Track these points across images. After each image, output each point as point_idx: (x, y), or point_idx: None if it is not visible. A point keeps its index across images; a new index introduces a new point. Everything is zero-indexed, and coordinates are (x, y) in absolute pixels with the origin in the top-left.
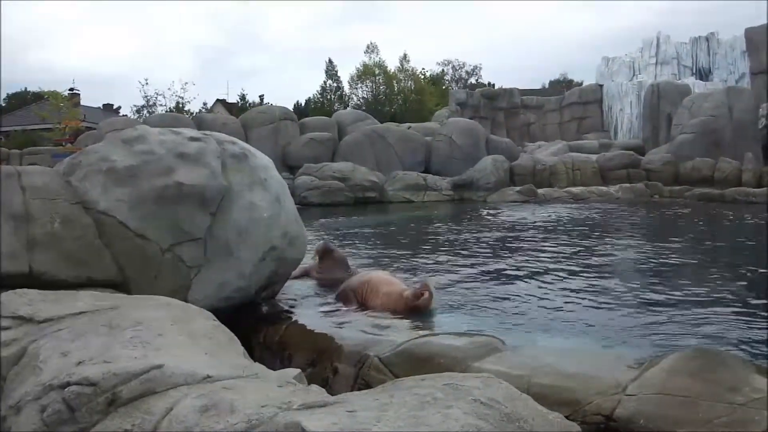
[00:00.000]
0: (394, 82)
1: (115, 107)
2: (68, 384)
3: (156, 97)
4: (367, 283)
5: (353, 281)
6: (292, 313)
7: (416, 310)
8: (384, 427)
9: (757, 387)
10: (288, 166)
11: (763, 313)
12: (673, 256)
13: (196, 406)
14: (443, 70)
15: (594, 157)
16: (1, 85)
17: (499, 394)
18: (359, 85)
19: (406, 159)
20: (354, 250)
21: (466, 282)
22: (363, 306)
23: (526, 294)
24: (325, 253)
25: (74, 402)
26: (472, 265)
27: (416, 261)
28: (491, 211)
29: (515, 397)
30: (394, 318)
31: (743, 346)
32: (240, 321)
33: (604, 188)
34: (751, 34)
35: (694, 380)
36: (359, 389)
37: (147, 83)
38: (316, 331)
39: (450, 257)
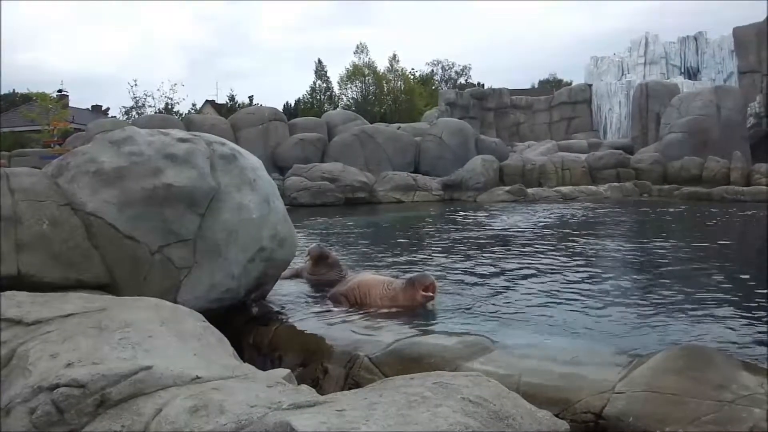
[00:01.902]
0: (384, 82)
1: (104, 108)
2: (57, 386)
3: (145, 98)
4: (357, 286)
5: (342, 286)
6: (282, 314)
7: (417, 304)
8: (373, 426)
9: (744, 384)
10: (278, 167)
11: (750, 311)
12: (662, 255)
13: (186, 407)
14: (433, 70)
15: (583, 156)
16: (0, 83)
17: (488, 393)
18: (349, 86)
19: (396, 159)
20: (344, 251)
21: (456, 282)
22: (357, 309)
23: (516, 293)
24: (319, 258)
25: (63, 403)
26: (461, 265)
27: (406, 261)
28: (481, 212)
29: (504, 396)
30: (386, 317)
31: (731, 344)
32: (230, 322)
33: (593, 188)
34: (739, 33)
35: (681, 378)
36: (349, 389)
37: (136, 84)
38: (306, 331)
39: (440, 257)
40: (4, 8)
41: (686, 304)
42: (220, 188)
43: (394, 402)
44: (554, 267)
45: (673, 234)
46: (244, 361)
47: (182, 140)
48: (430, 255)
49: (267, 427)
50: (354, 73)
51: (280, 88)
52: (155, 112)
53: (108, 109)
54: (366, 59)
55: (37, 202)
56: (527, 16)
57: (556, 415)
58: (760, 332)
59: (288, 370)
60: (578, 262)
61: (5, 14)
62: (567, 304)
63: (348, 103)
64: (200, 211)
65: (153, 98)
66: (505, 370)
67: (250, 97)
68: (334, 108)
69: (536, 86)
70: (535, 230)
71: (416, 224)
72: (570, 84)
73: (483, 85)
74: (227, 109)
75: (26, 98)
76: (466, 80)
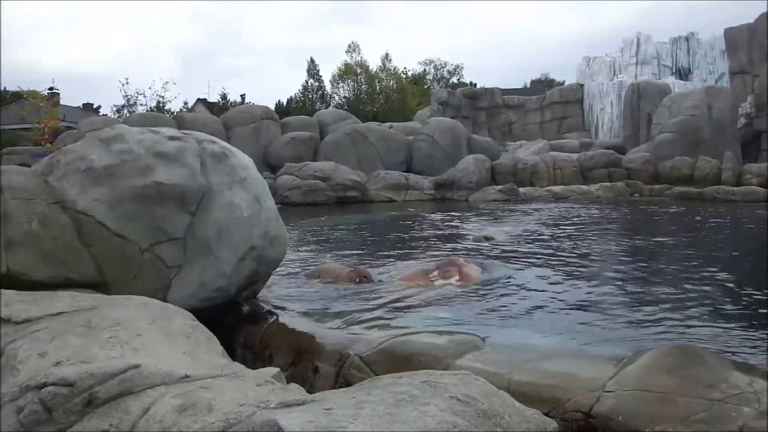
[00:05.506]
0: (376, 81)
1: (95, 107)
2: (45, 384)
3: (136, 97)
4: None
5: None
6: (272, 312)
7: None
8: (360, 425)
9: (734, 383)
10: (269, 166)
11: (741, 311)
12: (654, 254)
13: (174, 406)
14: (425, 69)
15: (575, 156)
16: (0, 81)
17: (476, 391)
18: (341, 85)
19: (388, 158)
20: (341, 250)
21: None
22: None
23: (506, 292)
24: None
25: (51, 402)
26: None
27: (401, 258)
28: (472, 211)
29: (492, 394)
30: (378, 314)
31: (721, 343)
32: (220, 321)
33: (584, 187)
34: (730, 34)
35: (671, 377)
36: (340, 388)
37: (127, 83)
38: (296, 330)
39: (434, 254)
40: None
41: (676, 302)
42: (211, 187)
43: (382, 401)
44: (546, 265)
45: (664, 233)
46: (236, 360)
47: (172, 138)
48: (422, 252)
49: (254, 426)
50: (346, 72)
51: (273, 86)
52: (147, 111)
53: (99, 107)
54: (358, 58)
55: (27, 201)
56: (519, 16)
57: (546, 414)
58: (750, 331)
59: (277, 369)
60: (569, 261)
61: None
62: (557, 302)
63: (340, 102)
64: (191, 209)
65: (144, 96)
66: (495, 369)
67: (242, 96)
68: (326, 107)
69: (528, 86)
70: (526, 229)
71: (409, 223)
72: (562, 84)
73: (475, 84)
74: (219, 108)
75: (17, 96)
76: (458, 80)
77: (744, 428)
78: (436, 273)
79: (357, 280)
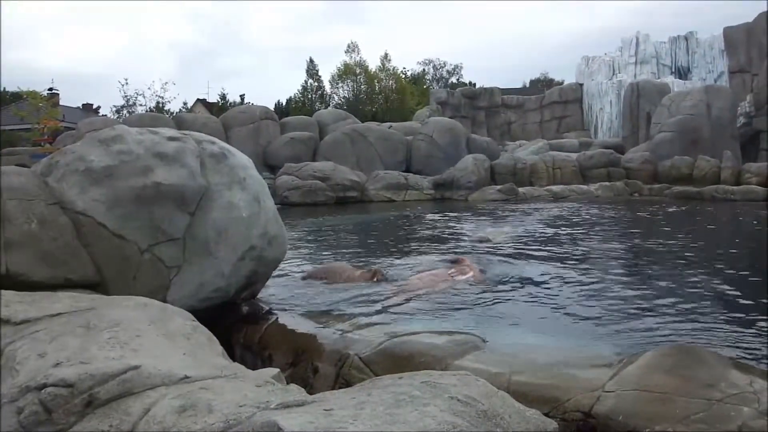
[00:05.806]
0: (375, 81)
1: (94, 107)
2: (45, 385)
3: (136, 97)
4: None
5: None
6: (272, 313)
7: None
8: (360, 426)
9: (733, 383)
10: (269, 166)
11: (740, 310)
12: (653, 254)
13: (174, 407)
14: (424, 69)
15: (574, 155)
16: (1, 81)
17: (476, 392)
18: (340, 85)
19: (387, 158)
20: (341, 250)
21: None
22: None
23: (506, 292)
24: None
25: (51, 403)
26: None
27: (398, 258)
28: (471, 211)
29: (492, 395)
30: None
31: (720, 343)
32: (220, 321)
33: (584, 187)
34: (729, 33)
35: (671, 377)
36: (340, 388)
37: (127, 83)
38: (296, 330)
39: (431, 254)
40: None
41: (676, 302)
42: (210, 187)
43: (383, 401)
44: (545, 265)
45: (662, 233)
46: (235, 361)
47: (172, 139)
48: (420, 252)
49: (254, 427)
50: (345, 72)
51: (272, 86)
52: (146, 111)
53: (99, 107)
54: (357, 58)
55: (26, 201)
56: (519, 16)
57: (546, 414)
58: (749, 330)
59: (277, 370)
60: (569, 261)
61: None
62: (557, 302)
63: (339, 102)
64: (190, 209)
65: (144, 97)
66: (495, 369)
67: (242, 96)
68: (326, 107)
69: (527, 85)
70: (525, 229)
71: (408, 223)
72: (561, 83)
73: (474, 84)
74: (218, 108)
75: (17, 96)
76: (457, 79)
77: (743, 428)
78: (453, 270)
79: (374, 279)
